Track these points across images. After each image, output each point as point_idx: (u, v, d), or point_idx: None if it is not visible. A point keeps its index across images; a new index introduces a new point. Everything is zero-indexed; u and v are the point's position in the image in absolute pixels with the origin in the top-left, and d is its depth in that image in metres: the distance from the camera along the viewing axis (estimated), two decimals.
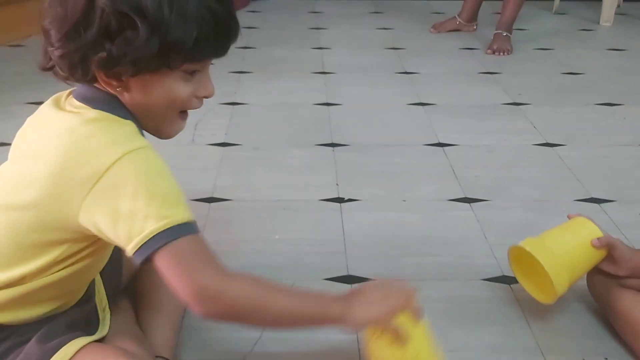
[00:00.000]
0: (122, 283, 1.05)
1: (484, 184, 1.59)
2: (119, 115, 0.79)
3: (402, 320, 0.84)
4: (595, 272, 1.09)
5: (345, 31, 2.89)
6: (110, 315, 0.96)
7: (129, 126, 0.79)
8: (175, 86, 0.79)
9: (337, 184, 1.59)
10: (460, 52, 2.62)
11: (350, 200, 1.52)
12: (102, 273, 0.97)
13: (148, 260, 0.75)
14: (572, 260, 1.05)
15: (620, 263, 1.03)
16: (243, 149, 1.77)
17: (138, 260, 0.75)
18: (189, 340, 1.07)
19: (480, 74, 2.36)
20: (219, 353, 1.05)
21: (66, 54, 0.76)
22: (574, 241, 1.06)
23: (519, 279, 1.12)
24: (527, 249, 1.05)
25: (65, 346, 0.79)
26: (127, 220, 0.73)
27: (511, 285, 1.22)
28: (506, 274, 1.25)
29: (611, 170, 1.67)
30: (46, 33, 0.77)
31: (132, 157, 0.75)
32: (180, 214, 0.75)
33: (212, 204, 1.50)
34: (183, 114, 0.85)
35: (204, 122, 1.92)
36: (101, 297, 0.97)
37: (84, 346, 0.80)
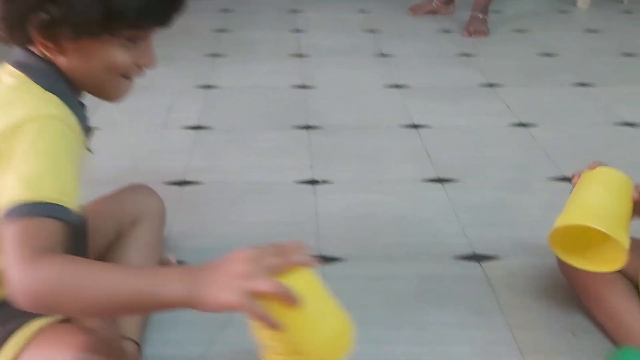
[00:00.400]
0: None
1: (457, 164, 1.59)
2: (43, 85, 0.77)
3: (272, 305, 0.65)
4: None
5: (322, 14, 2.87)
6: None
7: (48, 96, 0.76)
8: (115, 53, 0.78)
9: (311, 166, 1.58)
10: (436, 34, 2.61)
11: (324, 182, 1.51)
12: (66, 252, 0.95)
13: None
14: (622, 216, 0.94)
15: None
16: (216, 132, 1.76)
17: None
18: (156, 322, 1.06)
19: (457, 56, 2.36)
20: (187, 334, 1.05)
21: (6, 15, 0.74)
22: (616, 197, 0.95)
23: (568, 260, 0.99)
24: (587, 223, 0.91)
25: (24, 326, 0.78)
26: (5, 183, 0.69)
27: (481, 263, 1.22)
28: (476, 252, 1.26)
29: (584, 149, 1.68)
30: None
31: (36, 125, 0.72)
32: (46, 193, 0.69)
33: (184, 187, 1.48)
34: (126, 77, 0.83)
35: (178, 106, 1.90)
36: None
37: (44, 326, 0.79)
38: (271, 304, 0.64)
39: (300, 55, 2.35)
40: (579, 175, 1.03)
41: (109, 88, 0.82)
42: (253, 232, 1.32)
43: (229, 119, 1.84)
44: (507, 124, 1.82)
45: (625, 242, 0.91)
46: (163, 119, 1.81)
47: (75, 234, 0.89)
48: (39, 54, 0.78)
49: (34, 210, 0.68)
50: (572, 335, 1.05)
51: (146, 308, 0.72)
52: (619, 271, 1.03)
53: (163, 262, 1.06)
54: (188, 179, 1.51)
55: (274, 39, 2.52)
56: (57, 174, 0.71)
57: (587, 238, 0.96)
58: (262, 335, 0.68)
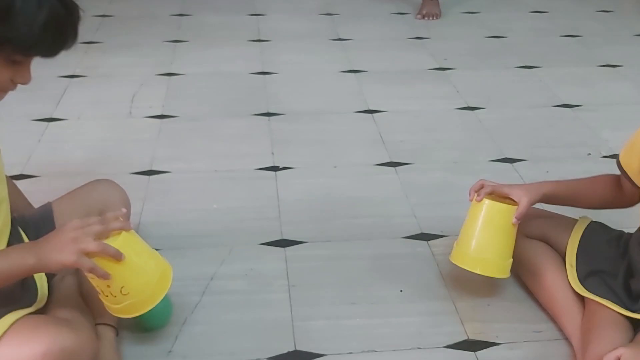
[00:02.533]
0: None
1: (408, 148, 1.70)
2: None
3: (101, 260, 0.88)
4: None
5: None
6: (52, 284, 1.02)
7: None
8: None
9: (272, 153, 1.67)
10: (392, 17, 2.70)
11: (284, 168, 1.61)
12: None
13: None
14: (503, 249, 1.13)
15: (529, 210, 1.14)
16: (180, 120, 1.83)
17: None
18: None
19: (410, 40, 2.46)
20: None
21: None
22: (499, 234, 1.12)
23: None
24: (466, 268, 1.13)
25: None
26: None
27: (428, 242, 1.35)
28: (424, 231, 1.38)
29: (524, 131, 1.82)
30: None
31: None
32: None
33: (151, 176, 1.56)
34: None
35: (141, 95, 1.96)
36: None
37: (20, 318, 0.87)
38: (100, 259, 0.88)
39: (259, 40, 2.41)
40: (474, 194, 1.15)
41: None
42: (218, 219, 1.41)
43: (192, 107, 1.90)
44: (455, 107, 1.94)
45: (499, 272, 1.13)
46: (127, 109, 1.87)
47: (43, 230, 0.97)
48: None
49: None
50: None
51: (13, 278, 0.89)
52: (552, 247, 1.17)
53: None
54: (155, 168, 1.59)
55: (233, 23, 2.57)
56: None
57: None
58: (96, 283, 0.93)
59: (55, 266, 0.87)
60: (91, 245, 0.86)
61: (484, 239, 1.12)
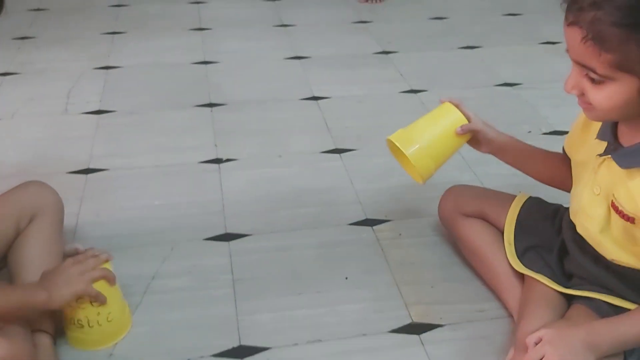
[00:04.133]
0: None
1: (353, 133, 1.70)
2: None
3: (99, 285, 1.02)
4: (446, 200, 1.24)
5: None
6: None
7: None
8: None
9: (215, 145, 1.64)
10: (335, 0, 2.68)
11: (228, 160, 1.58)
12: None
13: None
14: (436, 148, 1.14)
15: (482, 144, 1.16)
16: (119, 115, 1.77)
17: None
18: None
19: (354, 24, 2.45)
20: None
21: None
22: (439, 130, 1.15)
23: (399, 162, 1.22)
24: (397, 144, 1.14)
25: None
26: None
27: (373, 227, 1.35)
28: (369, 217, 1.38)
29: None
30: None
31: None
32: None
33: (89, 174, 1.51)
34: None
35: (77, 90, 1.89)
36: None
37: None
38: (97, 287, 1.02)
39: (200, 29, 2.36)
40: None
41: None
42: (161, 215, 1.38)
43: (131, 100, 1.85)
44: (399, 91, 1.94)
45: (421, 165, 1.12)
46: (63, 105, 1.80)
47: None
48: None
49: None
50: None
51: (23, 313, 0.98)
52: (491, 223, 1.18)
53: (68, 253, 1.09)
54: (92, 166, 1.54)
55: (173, 12, 2.51)
56: None
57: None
58: (87, 314, 1.02)
59: (66, 298, 0.98)
60: (97, 273, 1.01)
61: (425, 129, 1.14)
